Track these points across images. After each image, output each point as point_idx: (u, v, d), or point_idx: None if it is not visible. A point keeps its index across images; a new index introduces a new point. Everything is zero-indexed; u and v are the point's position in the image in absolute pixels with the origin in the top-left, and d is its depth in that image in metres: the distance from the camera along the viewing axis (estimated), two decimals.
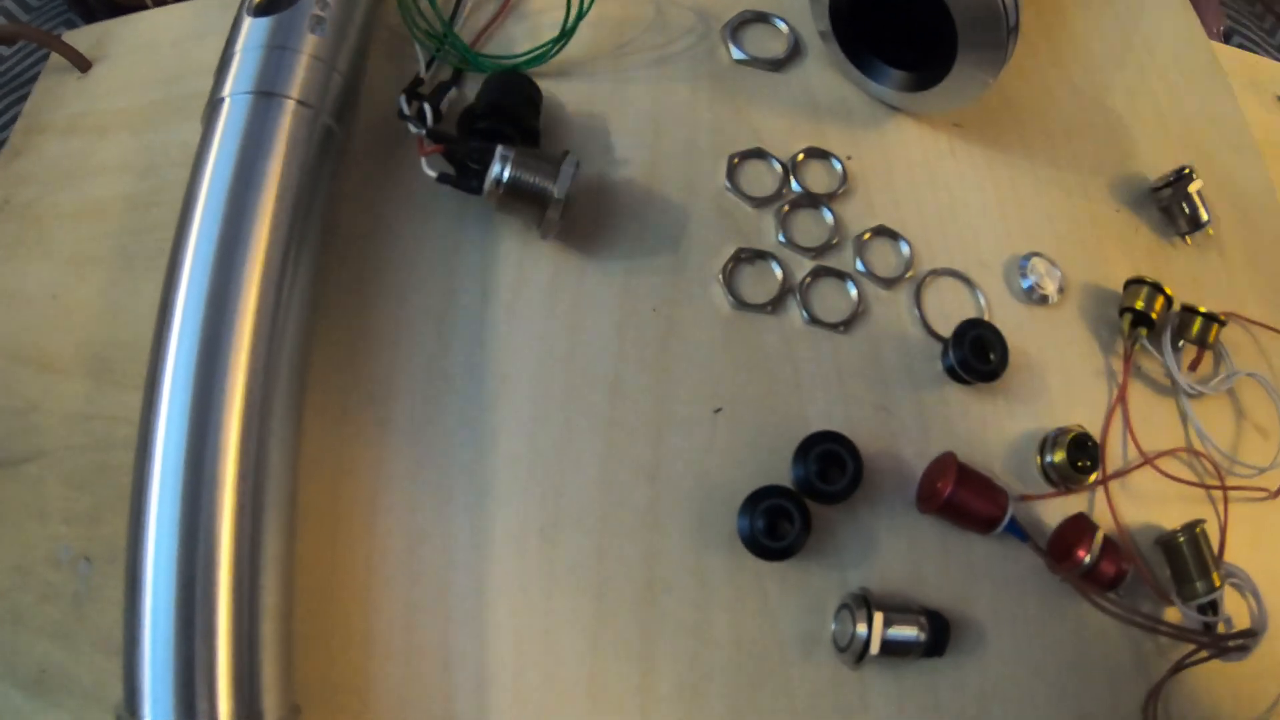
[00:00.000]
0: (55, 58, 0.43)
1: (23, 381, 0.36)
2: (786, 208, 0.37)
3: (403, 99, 0.35)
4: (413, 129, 0.34)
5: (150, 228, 0.38)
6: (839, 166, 0.38)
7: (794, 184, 0.37)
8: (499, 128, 0.34)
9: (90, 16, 0.49)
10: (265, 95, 0.32)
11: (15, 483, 0.34)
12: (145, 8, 0.46)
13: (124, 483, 0.33)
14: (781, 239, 0.36)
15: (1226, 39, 0.50)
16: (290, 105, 0.32)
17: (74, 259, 0.38)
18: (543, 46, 0.38)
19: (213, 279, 0.29)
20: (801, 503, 0.30)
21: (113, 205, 0.39)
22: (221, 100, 0.32)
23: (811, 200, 0.37)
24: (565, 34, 0.38)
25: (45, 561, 0.33)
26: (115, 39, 0.44)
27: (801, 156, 0.38)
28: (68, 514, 0.33)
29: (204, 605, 0.26)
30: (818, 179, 0.38)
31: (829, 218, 0.37)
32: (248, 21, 0.33)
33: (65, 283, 0.38)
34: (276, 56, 0.32)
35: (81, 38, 0.44)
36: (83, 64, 0.43)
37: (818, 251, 0.36)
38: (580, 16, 0.37)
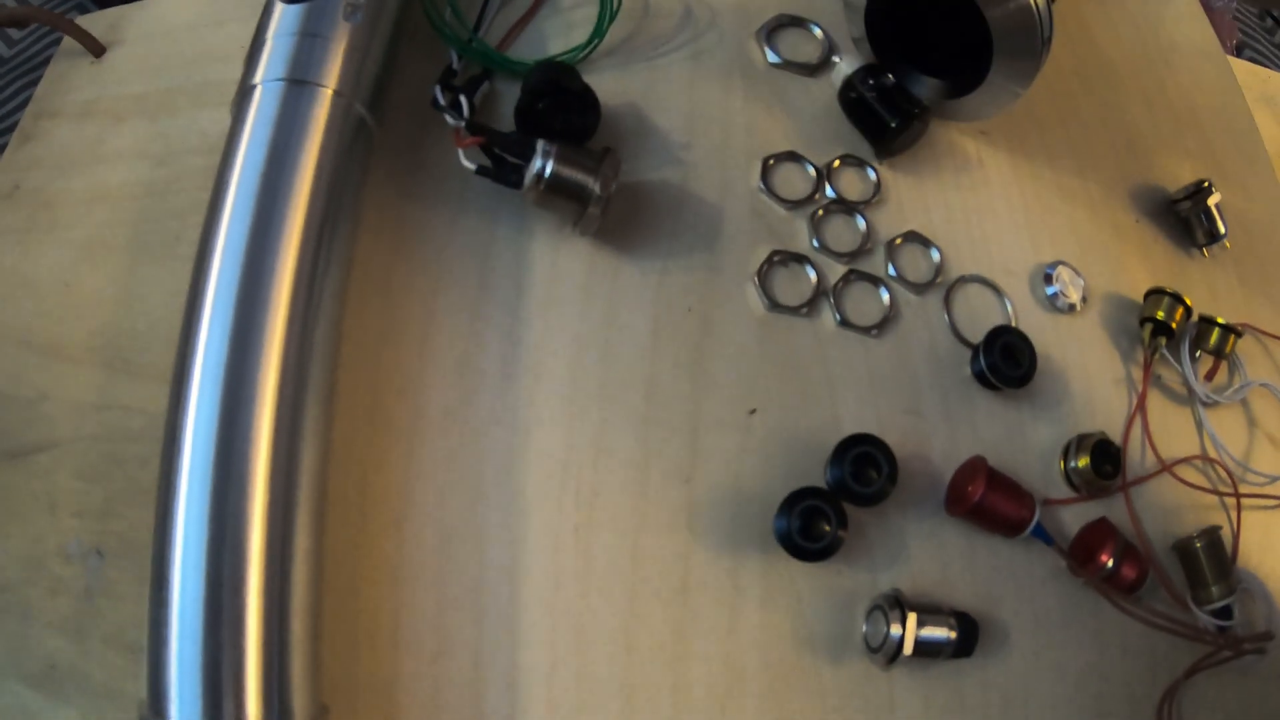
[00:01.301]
0: (68, 42, 0.42)
1: (33, 370, 0.35)
2: (820, 212, 0.37)
3: (437, 89, 0.34)
4: (450, 120, 0.33)
5: (166, 215, 0.37)
6: (872, 174, 0.39)
7: (828, 189, 0.38)
8: (559, 108, 0.33)
9: (104, 1, 0.47)
10: (298, 83, 0.31)
11: (25, 474, 0.33)
12: None
13: (137, 475, 0.32)
14: (815, 244, 0.36)
15: (1238, 53, 0.52)
16: (323, 93, 0.31)
17: (86, 246, 0.37)
18: (574, 50, 0.38)
19: (244, 270, 0.29)
20: (838, 504, 0.30)
21: (127, 192, 0.38)
22: (253, 87, 0.31)
23: (845, 206, 0.37)
24: (598, 34, 0.37)
25: (55, 555, 0.32)
26: (130, 23, 0.43)
27: (837, 163, 0.38)
28: (79, 507, 0.33)
29: (232, 605, 0.26)
30: (851, 184, 0.38)
31: (861, 223, 0.37)
32: (280, 8, 0.32)
33: (77, 270, 0.37)
34: (309, 44, 0.32)
35: (95, 22, 0.43)
36: (96, 48, 0.42)
37: (850, 256, 0.37)
38: (612, 18, 0.37)
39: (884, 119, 0.37)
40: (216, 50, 0.41)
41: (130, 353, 0.35)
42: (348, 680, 0.29)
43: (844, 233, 0.38)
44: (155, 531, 0.27)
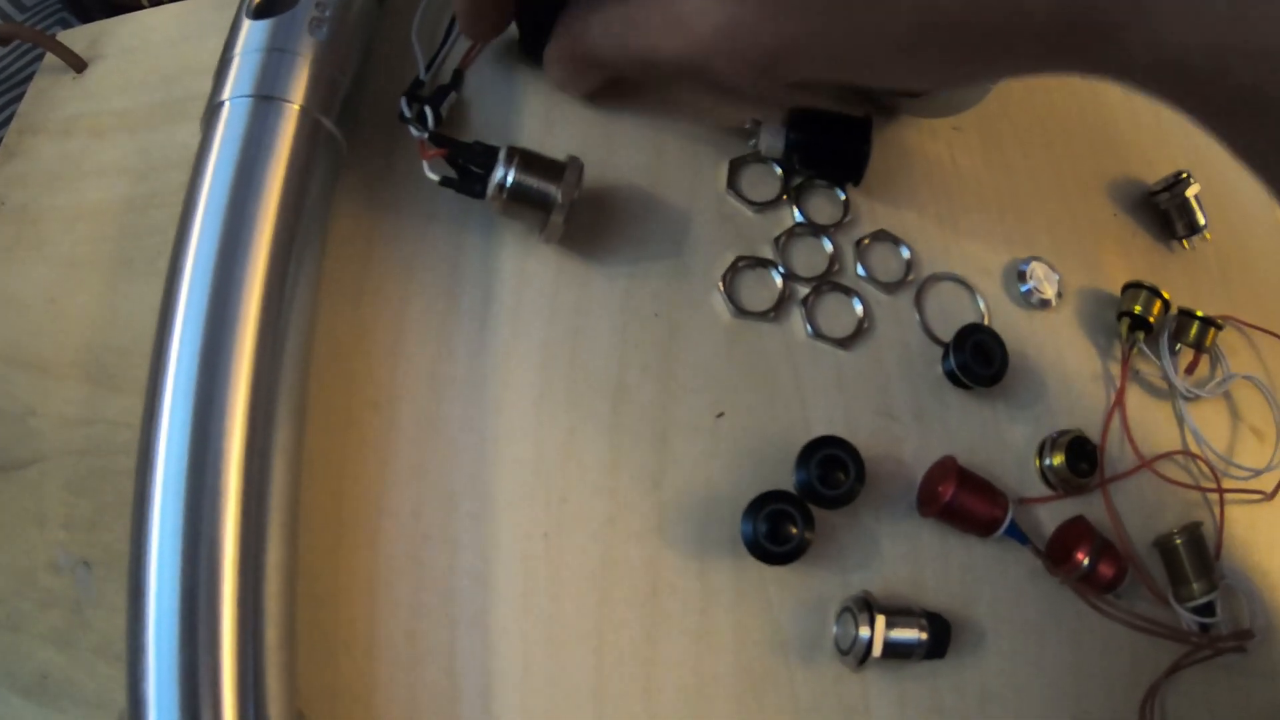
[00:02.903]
0: (50, 58, 0.43)
1: (20, 386, 0.36)
2: (785, 238, 0.37)
3: (404, 102, 0.35)
4: (414, 133, 0.33)
5: (148, 231, 0.38)
6: (841, 193, 0.38)
7: (795, 213, 0.37)
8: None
9: (85, 16, 0.48)
10: (265, 99, 0.31)
11: (14, 487, 0.34)
12: (141, 7, 0.46)
13: (124, 488, 0.33)
14: (781, 270, 0.36)
15: None
16: (290, 109, 0.31)
17: (71, 262, 0.38)
18: None
19: (213, 285, 0.29)
20: (804, 507, 0.30)
21: (110, 208, 0.39)
22: (221, 104, 0.32)
23: (813, 228, 0.37)
24: None
25: (45, 567, 0.33)
26: (111, 39, 0.44)
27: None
28: (67, 519, 0.33)
29: (208, 615, 0.26)
30: (819, 201, 0.38)
31: (828, 244, 0.37)
32: (246, 24, 0.33)
33: (62, 286, 0.38)
34: (276, 59, 0.32)
35: (77, 38, 0.44)
36: (78, 64, 0.43)
37: (822, 275, 0.36)
38: None
39: (853, 148, 0.36)
40: (196, 65, 0.41)
41: (114, 367, 0.35)
42: (325, 688, 0.30)
43: (812, 252, 0.37)
44: (131, 544, 0.27)
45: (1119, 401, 0.37)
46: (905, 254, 0.37)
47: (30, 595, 0.32)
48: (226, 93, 0.32)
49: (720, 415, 0.33)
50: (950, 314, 0.37)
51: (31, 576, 0.33)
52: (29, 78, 0.44)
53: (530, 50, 0.36)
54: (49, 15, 0.50)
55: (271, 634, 0.28)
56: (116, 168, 0.40)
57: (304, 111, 0.32)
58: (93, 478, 0.34)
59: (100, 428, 0.34)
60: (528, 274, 0.35)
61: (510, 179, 0.31)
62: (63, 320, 0.37)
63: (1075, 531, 0.34)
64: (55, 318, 0.37)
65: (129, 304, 0.36)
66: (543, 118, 0.38)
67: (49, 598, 0.32)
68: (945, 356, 0.35)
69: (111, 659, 0.31)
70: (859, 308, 0.36)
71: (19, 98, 0.44)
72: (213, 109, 0.32)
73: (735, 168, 0.37)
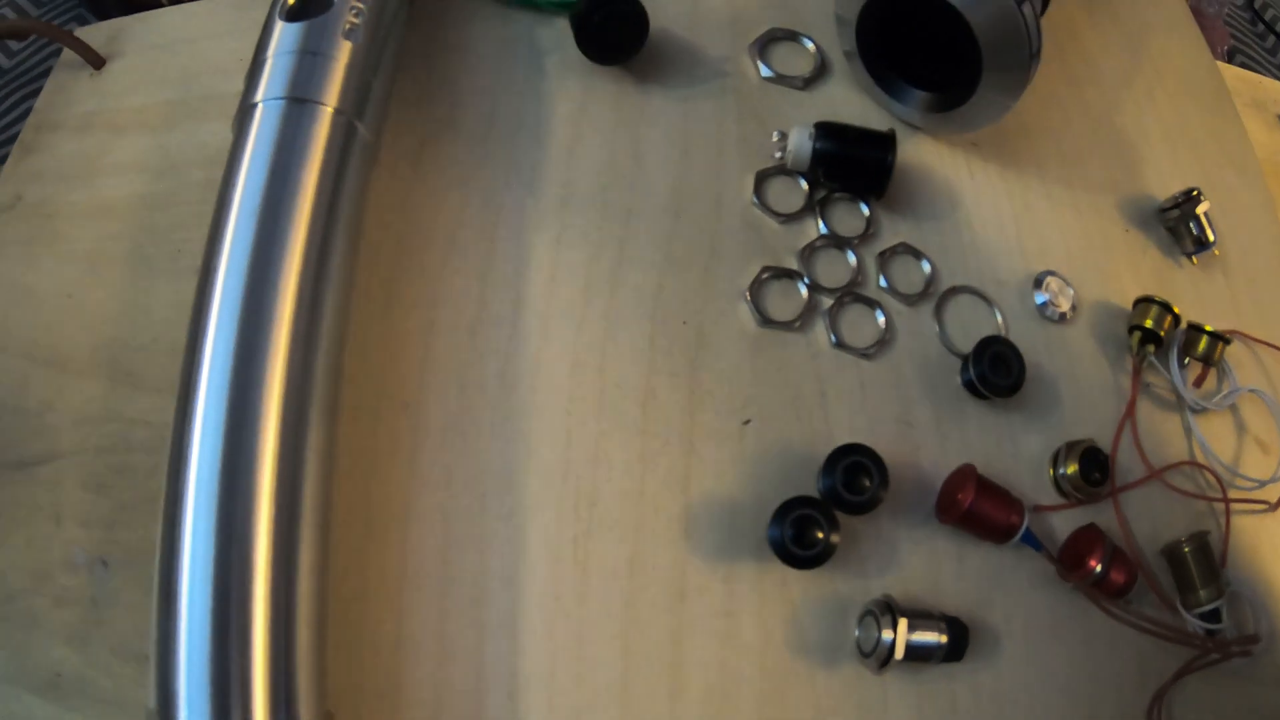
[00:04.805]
0: (68, 54, 0.43)
1: (37, 382, 0.36)
2: (808, 251, 0.37)
3: None
4: None
5: (167, 229, 0.38)
6: (865, 208, 0.39)
7: (820, 225, 0.38)
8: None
9: (103, 13, 0.48)
10: (298, 101, 0.31)
11: (31, 485, 0.34)
12: (160, 5, 0.46)
13: (141, 486, 0.33)
14: (807, 281, 0.37)
15: (1230, 58, 0.52)
16: (324, 112, 0.32)
17: (89, 258, 0.38)
18: None
19: (248, 286, 0.29)
20: (830, 512, 0.31)
21: (128, 205, 0.39)
22: (254, 106, 0.32)
23: (836, 240, 0.38)
24: None
25: (61, 565, 0.32)
26: (130, 36, 0.44)
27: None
28: (84, 517, 0.33)
29: (239, 614, 0.26)
30: (842, 213, 0.39)
31: (852, 257, 0.38)
32: (279, 26, 0.33)
33: (80, 282, 0.37)
34: (309, 62, 0.32)
35: (95, 34, 0.44)
36: (96, 61, 0.43)
37: (846, 286, 0.37)
38: None
39: (877, 160, 0.36)
40: (216, 64, 0.41)
41: (133, 365, 0.35)
42: (353, 688, 0.30)
43: (835, 264, 0.38)
44: (162, 544, 0.27)
45: (1129, 413, 0.38)
46: (925, 267, 0.38)
47: (46, 593, 0.32)
48: (260, 94, 0.32)
49: (747, 422, 0.34)
50: (969, 326, 0.38)
51: (47, 574, 0.32)
52: (45, 73, 0.44)
53: (584, 46, 0.38)
54: (65, 11, 0.50)
55: (303, 634, 0.28)
56: (135, 165, 0.40)
57: (338, 114, 0.32)
58: (110, 475, 0.33)
59: (118, 425, 0.34)
60: (557, 281, 0.35)
61: None
62: (80, 316, 0.37)
63: (1088, 539, 0.34)
64: (73, 314, 0.37)
65: (148, 301, 0.36)
66: (572, 129, 0.38)
67: (65, 595, 0.32)
68: (964, 367, 0.36)
69: (127, 658, 0.31)
70: (881, 319, 0.36)
71: (35, 93, 0.43)
72: (245, 110, 0.32)
73: (761, 180, 0.38)
